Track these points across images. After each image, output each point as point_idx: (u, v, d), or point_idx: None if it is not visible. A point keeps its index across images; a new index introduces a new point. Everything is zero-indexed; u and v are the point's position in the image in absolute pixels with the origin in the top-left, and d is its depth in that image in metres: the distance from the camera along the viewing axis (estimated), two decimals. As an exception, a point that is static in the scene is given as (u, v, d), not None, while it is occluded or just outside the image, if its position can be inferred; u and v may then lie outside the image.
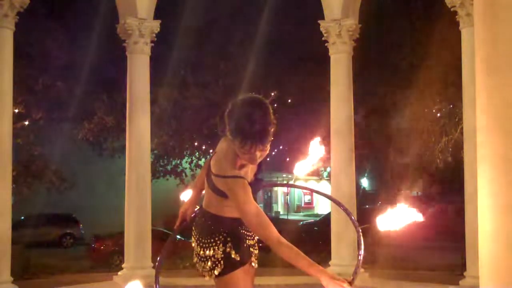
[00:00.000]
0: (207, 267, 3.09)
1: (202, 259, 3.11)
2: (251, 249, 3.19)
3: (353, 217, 3.23)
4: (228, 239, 3.08)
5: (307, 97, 16.96)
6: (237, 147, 2.90)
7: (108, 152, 18.81)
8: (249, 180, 3.01)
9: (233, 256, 3.06)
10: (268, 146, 2.93)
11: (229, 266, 3.06)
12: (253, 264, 3.22)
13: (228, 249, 3.07)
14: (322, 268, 2.70)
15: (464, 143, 8.51)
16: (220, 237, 3.08)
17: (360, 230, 3.00)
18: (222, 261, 3.06)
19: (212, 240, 3.09)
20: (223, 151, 3.05)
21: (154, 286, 3.22)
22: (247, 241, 3.17)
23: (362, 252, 2.94)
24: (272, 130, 2.89)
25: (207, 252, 3.09)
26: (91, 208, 22.45)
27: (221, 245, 3.07)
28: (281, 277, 9.49)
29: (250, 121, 2.82)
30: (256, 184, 3.13)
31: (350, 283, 2.65)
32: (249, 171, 3.09)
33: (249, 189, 2.90)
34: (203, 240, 3.11)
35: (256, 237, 3.21)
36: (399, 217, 2.81)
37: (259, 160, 2.99)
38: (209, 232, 3.10)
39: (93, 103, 17.43)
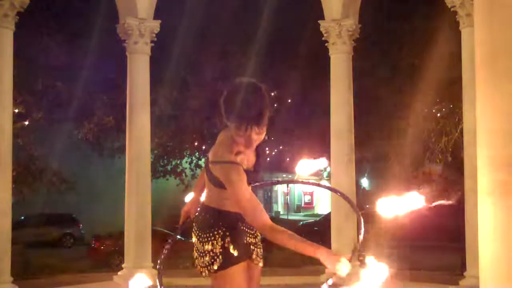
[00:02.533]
0: (206, 262, 3.08)
1: (201, 254, 3.10)
2: (252, 246, 3.18)
3: (352, 201, 3.28)
4: (227, 233, 3.07)
5: (307, 97, 16.96)
6: (233, 130, 2.94)
7: (108, 152, 18.80)
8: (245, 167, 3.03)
9: (231, 251, 3.05)
10: (265, 129, 2.95)
11: (228, 261, 3.05)
12: (255, 262, 3.21)
13: (226, 244, 3.06)
14: (319, 245, 2.70)
15: (464, 143, 8.51)
16: (219, 231, 3.08)
17: (360, 214, 3.04)
18: (220, 256, 3.05)
19: (211, 234, 3.08)
20: (220, 140, 3.11)
21: (158, 285, 3.23)
22: (248, 238, 3.17)
23: (362, 231, 2.97)
24: (268, 113, 2.92)
25: (206, 246, 3.08)
26: (91, 208, 22.44)
27: (219, 239, 3.07)
28: (281, 277, 9.50)
29: (245, 103, 2.86)
30: (253, 175, 3.13)
31: (349, 260, 2.66)
32: (246, 161, 3.08)
33: (244, 176, 2.92)
34: (202, 235, 3.11)
35: (259, 236, 3.21)
36: (403, 203, 2.82)
37: (255, 144, 3.00)
38: (209, 226, 3.11)
39: (93, 103, 17.42)
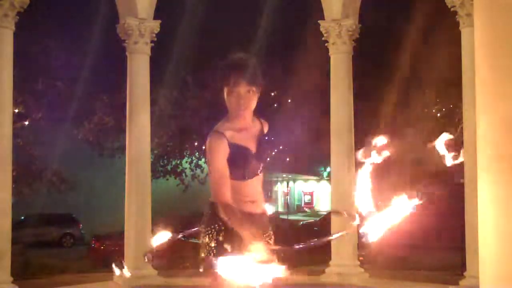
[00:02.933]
0: (203, 255, 3.11)
1: (202, 248, 3.14)
2: None
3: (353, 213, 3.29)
4: (223, 228, 3.08)
5: (307, 97, 16.95)
6: (225, 92, 3.09)
7: (108, 152, 18.81)
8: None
9: (224, 245, 3.06)
10: (254, 90, 3.07)
11: (220, 256, 3.00)
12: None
13: (221, 238, 3.07)
14: (248, 228, 2.87)
15: (464, 143, 8.51)
16: (216, 225, 3.10)
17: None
18: (215, 250, 3.06)
19: (209, 228, 3.12)
20: None
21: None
22: None
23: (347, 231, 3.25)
24: (259, 76, 3.07)
25: (205, 240, 3.12)
26: (91, 208, 22.44)
27: (215, 233, 3.09)
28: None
29: (234, 62, 3.11)
30: (253, 158, 3.16)
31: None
32: (241, 140, 3.12)
33: (224, 146, 3.01)
34: (203, 230, 3.16)
35: (271, 240, 3.20)
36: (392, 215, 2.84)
37: (246, 105, 3.08)
38: (208, 220, 3.14)
39: (93, 103, 17.44)
